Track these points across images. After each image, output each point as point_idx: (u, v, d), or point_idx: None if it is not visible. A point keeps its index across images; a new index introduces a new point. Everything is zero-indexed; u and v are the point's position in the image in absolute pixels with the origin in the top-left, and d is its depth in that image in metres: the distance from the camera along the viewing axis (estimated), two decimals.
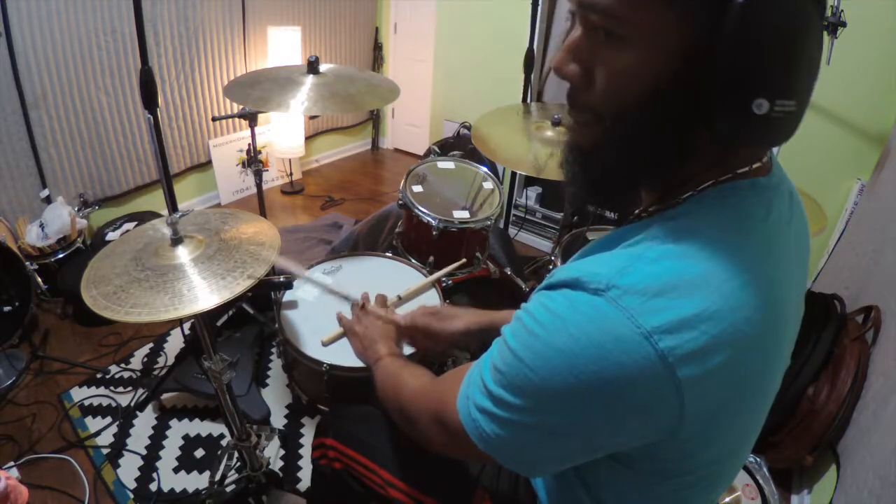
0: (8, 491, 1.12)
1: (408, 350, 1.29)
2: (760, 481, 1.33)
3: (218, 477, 1.35)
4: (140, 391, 1.74)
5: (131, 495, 1.43)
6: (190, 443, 1.59)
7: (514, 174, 2.58)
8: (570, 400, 0.44)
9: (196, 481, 1.48)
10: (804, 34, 0.42)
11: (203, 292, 0.86)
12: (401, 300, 1.39)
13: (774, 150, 0.55)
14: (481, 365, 0.53)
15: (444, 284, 1.68)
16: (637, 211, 0.58)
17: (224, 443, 1.59)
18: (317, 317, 1.44)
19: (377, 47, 3.67)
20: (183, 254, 0.93)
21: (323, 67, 1.59)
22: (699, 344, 0.42)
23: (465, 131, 3.00)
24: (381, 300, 1.14)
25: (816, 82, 0.46)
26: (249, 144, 1.75)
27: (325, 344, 1.04)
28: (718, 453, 0.53)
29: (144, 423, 1.64)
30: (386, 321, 0.99)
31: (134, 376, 1.81)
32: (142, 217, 2.38)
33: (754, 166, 0.51)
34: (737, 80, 0.42)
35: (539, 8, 2.11)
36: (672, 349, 0.41)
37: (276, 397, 1.74)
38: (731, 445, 0.54)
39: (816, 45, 0.44)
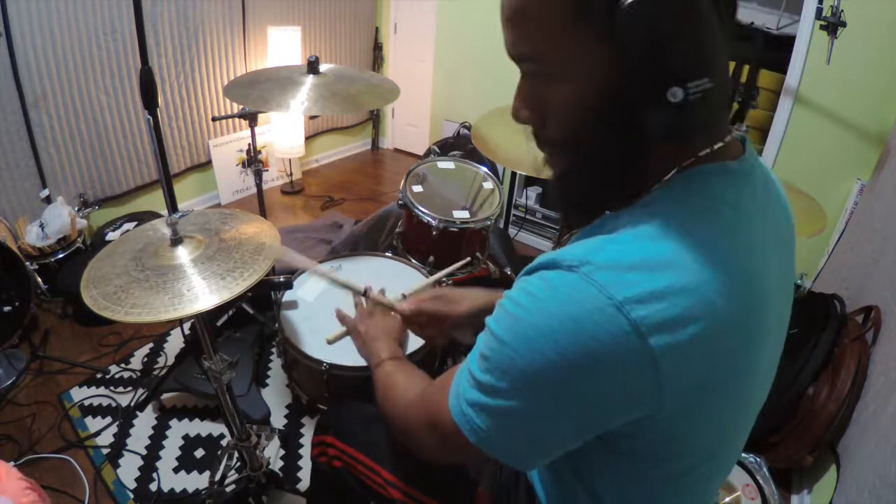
0: None
1: (414, 344, 1.29)
2: (760, 481, 1.33)
3: (218, 477, 1.35)
4: (140, 391, 1.74)
5: (131, 495, 1.43)
6: (190, 443, 1.59)
7: (514, 174, 2.58)
8: (553, 377, 0.46)
9: (196, 481, 1.48)
10: (689, 13, 0.43)
11: (203, 292, 0.86)
12: (405, 299, 1.39)
13: (774, 148, 0.55)
14: (469, 359, 0.55)
15: (443, 284, 1.68)
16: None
17: (224, 443, 1.59)
18: (317, 317, 1.44)
19: (377, 47, 3.67)
20: (183, 254, 0.93)
21: (323, 67, 1.59)
22: (671, 314, 0.43)
23: (465, 131, 3.00)
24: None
25: (727, 44, 0.47)
26: (249, 144, 1.75)
27: (330, 342, 1.04)
28: (707, 441, 0.53)
29: (144, 423, 1.64)
30: (392, 310, 0.98)
31: (134, 376, 1.81)
32: (142, 217, 2.39)
33: (716, 147, 0.51)
34: (645, 78, 0.45)
35: None
36: (644, 318, 0.43)
37: (276, 397, 1.75)
38: (720, 434, 0.55)
39: (706, 14, 0.43)
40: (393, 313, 0.97)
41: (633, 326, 0.43)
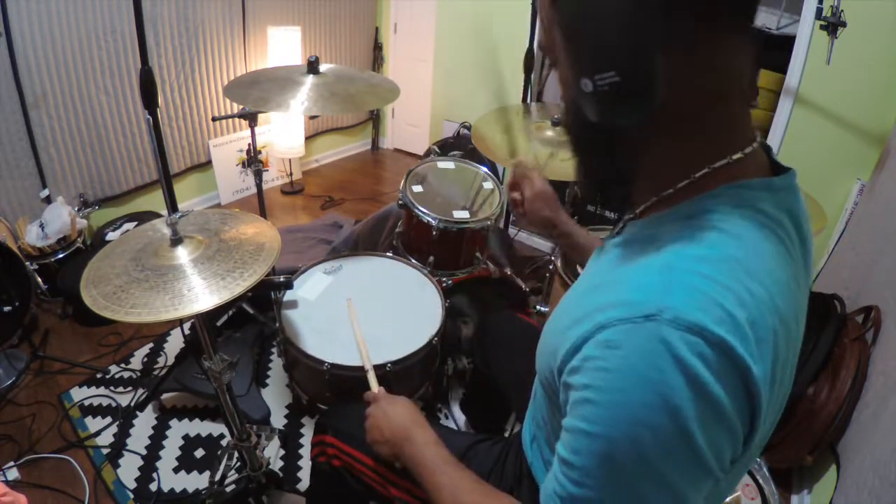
0: None
1: (415, 344, 1.28)
2: (760, 481, 1.33)
3: (218, 477, 1.35)
4: (140, 391, 1.74)
5: (131, 495, 1.43)
6: (190, 443, 1.59)
7: None
8: (671, 443, 0.41)
9: (196, 481, 1.48)
10: (591, 13, 0.43)
11: (203, 292, 0.86)
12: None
13: (774, 148, 0.54)
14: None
15: (444, 284, 1.68)
16: (628, 217, 0.58)
17: (224, 443, 1.59)
18: (317, 316, 1.44)
19: (377, 47, 3.67)
20: (183, 254, 0.93)
21: (323, 67, 1.59)
22: (756, 351, 0.42)
23: (465, 131, 3.00)
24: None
25: (644, 43, 0.45)
26: (249, 144, 1.75)
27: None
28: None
29: (144, 423, 1.64)
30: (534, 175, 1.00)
31: (134, 376, 1.81)
32: (142, 217, 2.39)
33: (735, 157, 0.48)
34: (568, 71, 0.47)
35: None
36: (747, 348, 0.41)
37: (276, 397, 1.75)
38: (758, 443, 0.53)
39: (625, 14, 0.42)
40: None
41: (741, 359, 0.41)
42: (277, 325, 1.43)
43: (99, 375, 1.80)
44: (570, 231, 1.00)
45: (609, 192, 0.60)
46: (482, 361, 1.25)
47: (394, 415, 0.85)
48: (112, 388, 1.76)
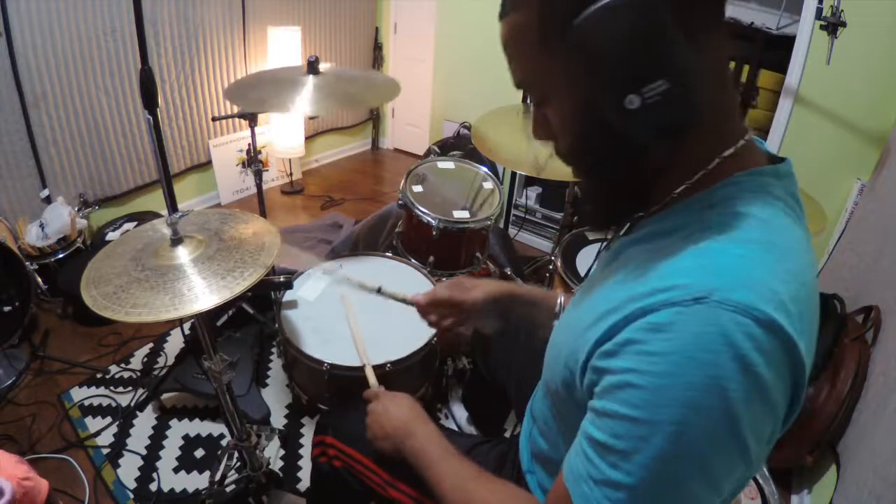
0: (18, 497, 1.04)
1: (415, 344, 1.28)
2: (760, 481, 1.33)
3: (218, 477, 1.34)
4: (140, 391, 1.74)
5: (131, 495, 1.43)
6: (190, 443, 1.59)
7: (514, 174, 2.58)
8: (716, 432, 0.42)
9: (196, 481, 1.48)
10: (639, 23, 0.42)
11: (203, 292, 0.86)
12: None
13: (774, 148, 0.55)
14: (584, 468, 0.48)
15: None
16: (637, 215, 0.58)
17: (224, 443, 1.59)
18: (317, 316, 1.44)
19: (377, 47, 3.67)
20: (183, 254, 0.93)
21: (323, 67, 1.59)
22: (799, 326, 0.43)
23: (465, 131, 3.00)
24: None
25: (716, 42, 0.47)
26: (249, 144, 1.75)
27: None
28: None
29: (144, 423, 1.64)
30: (407, 302, 0.97)
31: (134, 376, 1.81)
32: (142, 217, 2.39)
33: (740, 144, 0.51)
34: (601, 94, 0.46)
35: None
36: (795, 326, 0.43)
37: (276, 397, 1.75)
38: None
39: (659, 20, 0.42)
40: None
41: (789, 336, 0.42)
42: (277, 325, 1.43)
43: (99, 375, 1.80)
44: (510, 291, 0.94)
45: (622, 207, 0.58)
46: (482, 361, 1.25)
47: (395, 410, 0.85)
48: (112, 388, 1.76)
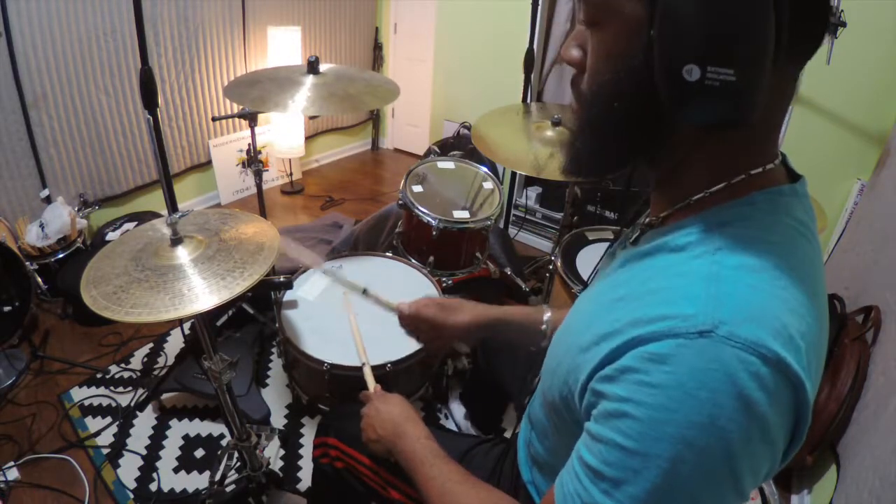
0: None
1: (410, 347, 1.28)
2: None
3: (218, 477, 1.34)
4: (140, 391, 1.74)
5: (131, 495, 1.43)
6: (190, 443, 1.59)
7: (514, 174, 2.58)
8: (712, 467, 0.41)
9: (196, 481, 1.48)
10: (748, 4, 0.39)
11: (203, 292, 0.86)
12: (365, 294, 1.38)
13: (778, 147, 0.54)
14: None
15: (444, 284, 1.68)
16: (648, 220, 0.57)
17: (224, 443, 1.59)
18: (317, 316, 1.44)
19: (377, 47, 3.67)
20: (183, 254, 0.93)
21: (323, 67, 1.59)
22: (806, 363, 0.42)
23: (465, 131, 3.00)
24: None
25: (768, 58, 0.42)
26: (249, 144, 1.75)
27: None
28: None
29: (144, 423, 1.64)
30: (391, 309, 0.97)
31: (134, 376, 1.81)
32: (142, 217, 2.39)
33: (768, 167, 0.49)
34: (667, 48, 0.41)
35: (539, 8, 2.11)
36: (800, 362, 0.41)
37: (276, 397, 1.74)
38: None
39: (758, 16, 0.40)
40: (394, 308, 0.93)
41: (796, 376, 0.40)
42: (277, 325, 1.42)
43: (99, 375, 1.80)
44: (495, 317, 0.94)
45: (612, 157, 0.54)
46: (482, 361, 1.25)
47: (386, 412, 0.85)
48: (112, 388, 1.76)
